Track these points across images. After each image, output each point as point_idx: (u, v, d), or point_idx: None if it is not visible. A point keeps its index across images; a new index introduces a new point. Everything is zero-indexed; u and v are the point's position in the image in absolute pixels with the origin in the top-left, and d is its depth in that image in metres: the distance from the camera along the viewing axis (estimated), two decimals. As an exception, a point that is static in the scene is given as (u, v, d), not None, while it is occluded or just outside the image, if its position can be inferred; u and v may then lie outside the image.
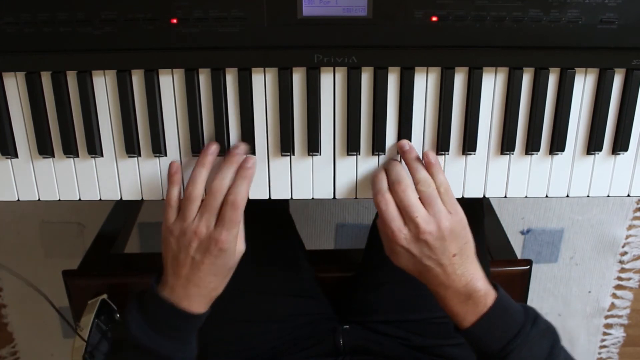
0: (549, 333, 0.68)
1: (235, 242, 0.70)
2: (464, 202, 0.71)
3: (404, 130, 0.71)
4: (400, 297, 0.88)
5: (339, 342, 0.83)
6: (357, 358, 0.81)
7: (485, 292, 0.68)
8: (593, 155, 0.74)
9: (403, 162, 0.72)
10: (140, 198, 0.75)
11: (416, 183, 0.68)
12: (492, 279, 0.95)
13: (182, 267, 0.69)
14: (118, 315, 0.93)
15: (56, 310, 0.90)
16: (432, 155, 0.70)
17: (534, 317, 0.68)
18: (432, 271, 0.68)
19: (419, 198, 0.67)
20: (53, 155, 0.73)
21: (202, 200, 0.69)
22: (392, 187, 0.69)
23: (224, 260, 0.69)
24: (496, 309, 0.67)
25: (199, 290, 0.69)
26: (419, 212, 0.67)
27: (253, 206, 0.71)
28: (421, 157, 0.71)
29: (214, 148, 0.71)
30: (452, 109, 0.71)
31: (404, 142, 0.72)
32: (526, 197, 0.75)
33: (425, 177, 0.68)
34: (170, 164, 0.72)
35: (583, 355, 1.77)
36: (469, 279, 0.68)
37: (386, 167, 0.71)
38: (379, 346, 0.84)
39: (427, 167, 0.69)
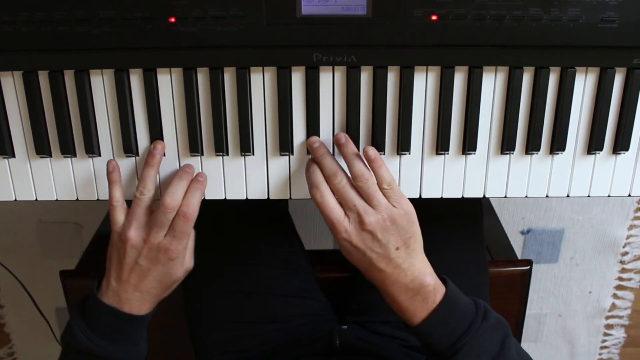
0: (500, 326, 0.68)
1: (184, 254, 0.71)
2: (463, 203, 0.71)
3: (404, 130, 0.71)
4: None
5: (335, 342, 0.82)
6: (352, 358, 0.80)
7: (434, 287, 0.67)
8: (593, 155, 0.74)
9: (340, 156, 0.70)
10: (138, 198, 0.74)
11: (353, 178, 0.67)
12: (492, 279, 0.95)
13: (127, 272, 0.69)
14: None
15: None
16: (372, 152, 0.68)
17: (485, 311, 0.68)
18: (377, 265, 0.67)
19: (358, 193, 0.67)
20: (50, 155, 0.72)
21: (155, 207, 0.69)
22: (328, 180, 0.68)
23: (171, 270, 0.70)
24: (446, 304, 0.67)
25: (141, 295, 0.70)
26: (357, 202, 0.66)
27: (252, 206, 0.71)
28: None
29: (160, 147, 0.71)
30: (452, 108, 0.71)
31: (341, 134, 0.70)
32: (526, 197, 0.75)
33: (362, 171, 0.67)
34: (108, 163, 0.71)
35: (584, 356, 1.76)
36: (416, 273, 0.67)
37: (319, 162, 0.70)
38: (375, 347, 0.84)
39: (368, 163, 0.68)
